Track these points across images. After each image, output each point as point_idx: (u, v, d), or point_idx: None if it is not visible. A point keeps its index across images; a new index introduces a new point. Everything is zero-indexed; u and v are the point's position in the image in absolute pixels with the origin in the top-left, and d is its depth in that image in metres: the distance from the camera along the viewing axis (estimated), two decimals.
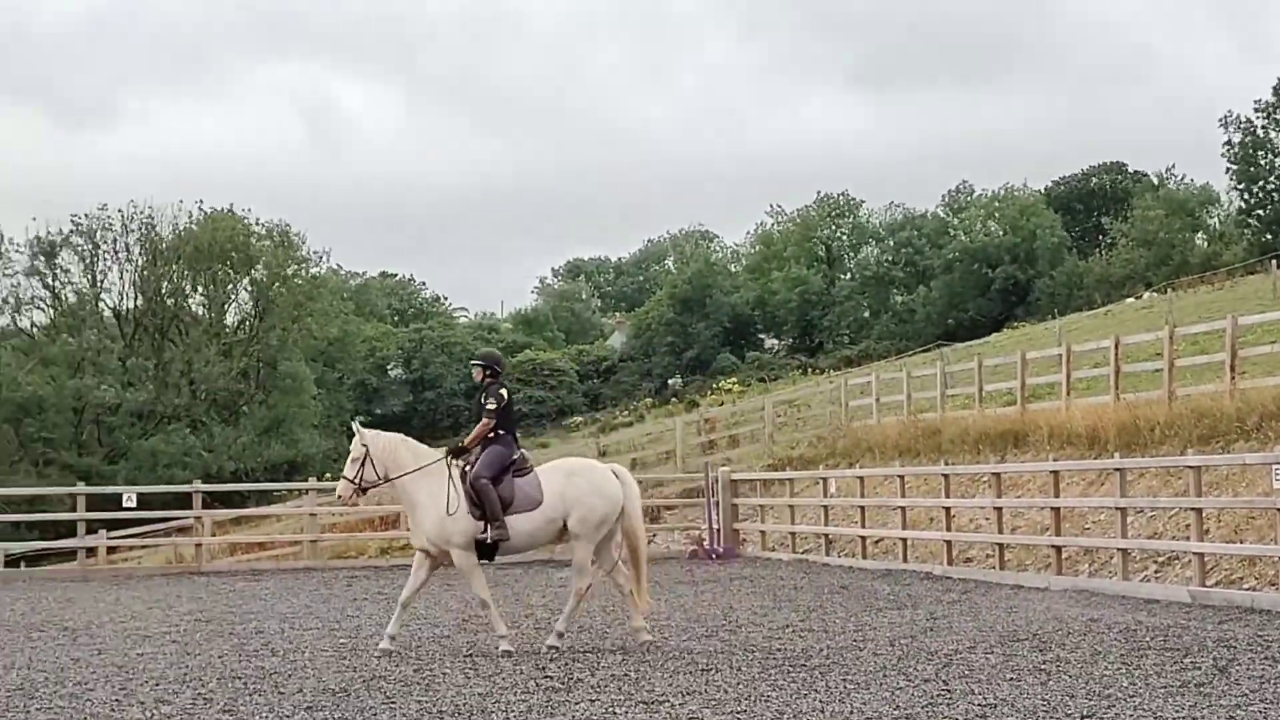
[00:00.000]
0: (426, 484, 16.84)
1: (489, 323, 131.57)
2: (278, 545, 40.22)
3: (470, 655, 16.29)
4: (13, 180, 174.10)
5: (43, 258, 79.66)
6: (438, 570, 17.32)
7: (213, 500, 41.67)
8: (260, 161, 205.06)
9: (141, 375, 75.56)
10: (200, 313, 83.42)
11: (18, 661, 16.42)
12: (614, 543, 17.52)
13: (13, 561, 42.09)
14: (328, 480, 36.10)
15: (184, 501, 36.92)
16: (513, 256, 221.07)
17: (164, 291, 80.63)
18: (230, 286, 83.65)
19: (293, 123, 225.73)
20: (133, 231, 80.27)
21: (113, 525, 39.49)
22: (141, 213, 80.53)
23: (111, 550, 39.82)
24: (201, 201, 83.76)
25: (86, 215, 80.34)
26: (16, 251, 78.89)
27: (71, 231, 79.93)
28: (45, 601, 25.21)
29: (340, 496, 17.40)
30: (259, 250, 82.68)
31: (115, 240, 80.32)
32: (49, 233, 79.67)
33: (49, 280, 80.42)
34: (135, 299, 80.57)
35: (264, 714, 12.43)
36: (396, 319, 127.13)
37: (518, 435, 17.52)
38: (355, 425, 17.63)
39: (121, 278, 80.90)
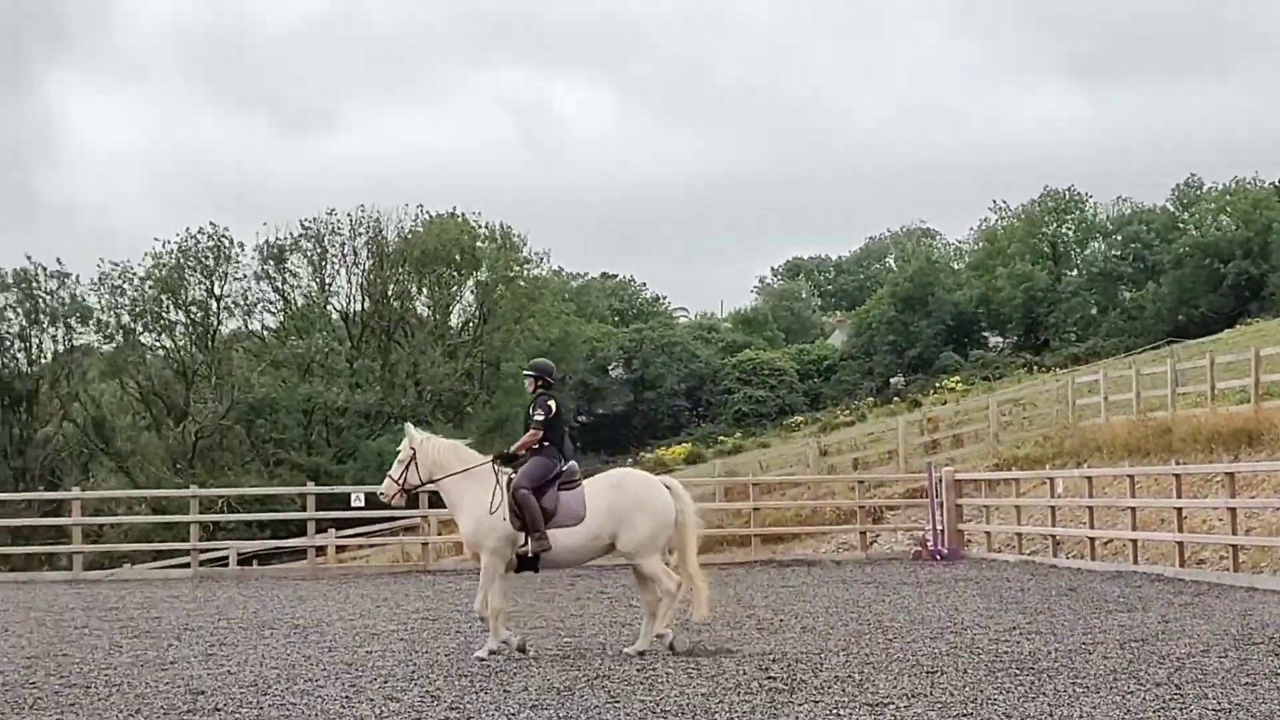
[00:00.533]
0: (472, 487, 17.03)
1: (709, 322, 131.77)
2: None
3: (693, 655, 16.31)
4: (239, 186, 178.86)
5: (272, 262, 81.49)
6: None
7: (439, 500, 42.29)
8: (475, 166, 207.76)
9: (368, 376, 76.91)
10: (425, 315, 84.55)
11: (250, 658, 16.82)
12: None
13: (245, 560, 43.21)
14: None
15: (410, 501, 37.44)
16: (732, 256, 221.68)
17: (390, 294, 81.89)
18: (454, 289, 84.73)
19: (506, 127, 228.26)
20: (360, 235, 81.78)
21: (341, 524, 40.35)
22: (369, 216, 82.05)
23: (340, 549, 40.75)
24: (423, 206, 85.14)
25: (314, 220, 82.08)
26: (247, 256, 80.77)
27: (300, 236, 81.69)
28: (276, 599, 25.79)
29: (383, 494, 17.73)
30: (483, 253, 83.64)
31: (343, 244, 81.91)
32: (278, 237, 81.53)
33: (279, 284, 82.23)
34: (362, 302, 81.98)
35: (490, 712, 12.57)
36: (617, 319, 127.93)
37: (563, 447, 17.29)
38: (407, 426, 17.92)
39: (349, 281, 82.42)
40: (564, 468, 17.03)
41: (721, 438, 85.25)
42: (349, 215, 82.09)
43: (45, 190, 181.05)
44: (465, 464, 17.18)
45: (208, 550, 38.05)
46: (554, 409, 17.16)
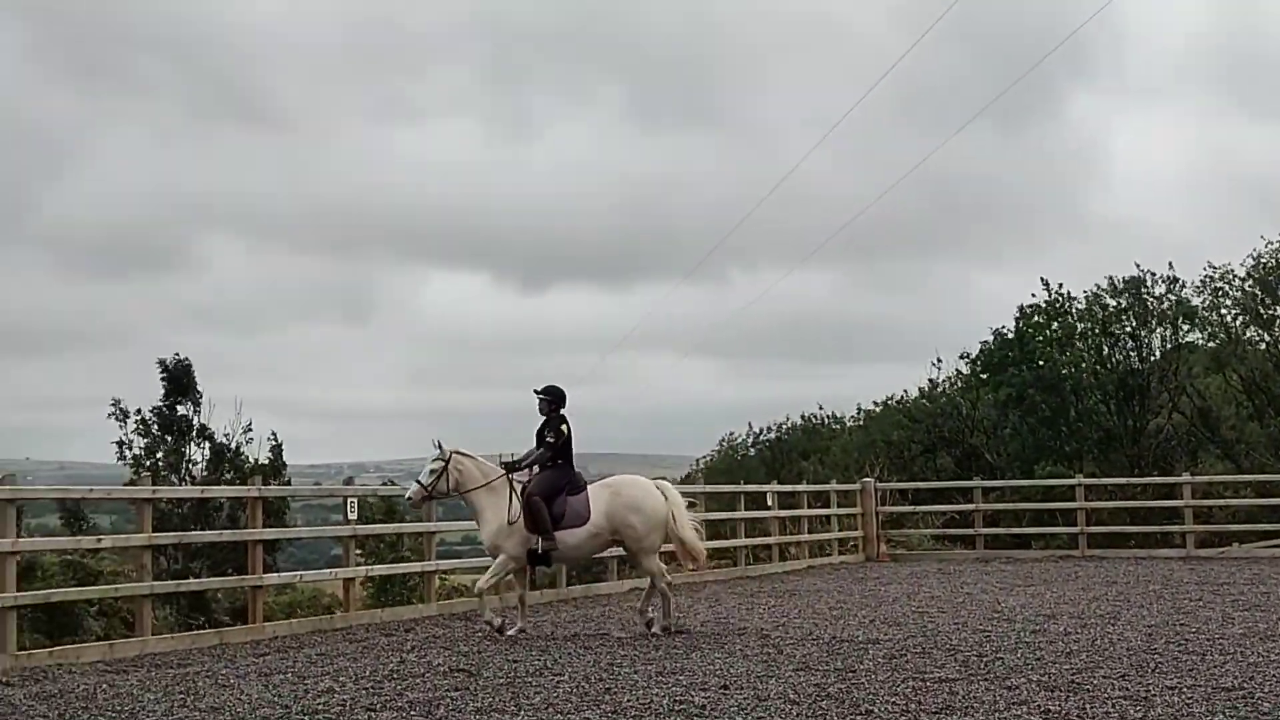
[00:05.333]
0: (491, 498, 18.24)
1: None
2: None
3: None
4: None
5: None
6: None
7: None
8: None
9: None
10: None
11: None
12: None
13: None
14: None
15: None
16: None
17: None
18: None
19: None
20: None
21: None
22: None
23: None
24: None
25: None
26: None
27: None
28: None
29: (409, 497, 18.89)
30: None
31: None
32: None
33: None
34: None
35: None
36: None
37: (572, 462, 18.43)
38: (439, 442, 18.58)
39: None
40: (573, 479, 18.26)
41: None
42: None
43: (1092, 207, 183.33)
44: (486, 478, 18.32)
45: None
46: (565, 432, 18.34)
